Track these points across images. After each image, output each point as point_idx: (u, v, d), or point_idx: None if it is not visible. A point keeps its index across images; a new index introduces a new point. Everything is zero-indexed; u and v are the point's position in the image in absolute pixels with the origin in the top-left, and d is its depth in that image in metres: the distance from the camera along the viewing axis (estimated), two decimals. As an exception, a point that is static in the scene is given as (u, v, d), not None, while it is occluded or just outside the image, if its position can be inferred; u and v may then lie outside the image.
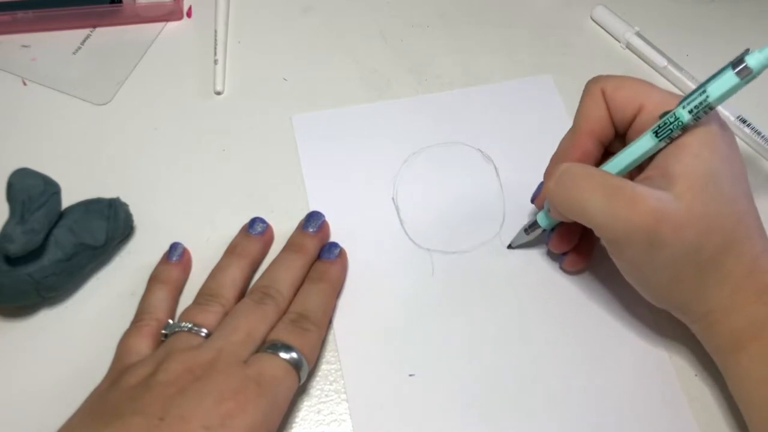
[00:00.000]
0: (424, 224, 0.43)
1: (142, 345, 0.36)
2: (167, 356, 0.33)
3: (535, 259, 0.42)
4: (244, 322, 0.35)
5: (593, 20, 0.52)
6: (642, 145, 0.34)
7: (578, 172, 0.34)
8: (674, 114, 0.33)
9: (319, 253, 0.40)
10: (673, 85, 0.49)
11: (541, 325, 0.39)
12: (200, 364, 0.33)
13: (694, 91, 0.32)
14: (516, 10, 0.53)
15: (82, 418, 0.32)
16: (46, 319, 0.39)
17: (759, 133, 0.46)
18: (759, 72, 0.31)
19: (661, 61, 0.49)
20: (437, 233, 0.42)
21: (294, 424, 0.37)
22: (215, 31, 0.50)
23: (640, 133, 0.34)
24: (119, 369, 0.35)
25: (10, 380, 0.38)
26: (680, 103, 0.33)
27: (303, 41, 0.51)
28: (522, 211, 0.43)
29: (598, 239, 0.39)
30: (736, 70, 0.31)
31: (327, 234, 0.41)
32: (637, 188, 0.32)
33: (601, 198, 0.33)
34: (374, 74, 0.49)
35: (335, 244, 0.40)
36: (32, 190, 0.36)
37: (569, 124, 0.40)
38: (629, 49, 0.51)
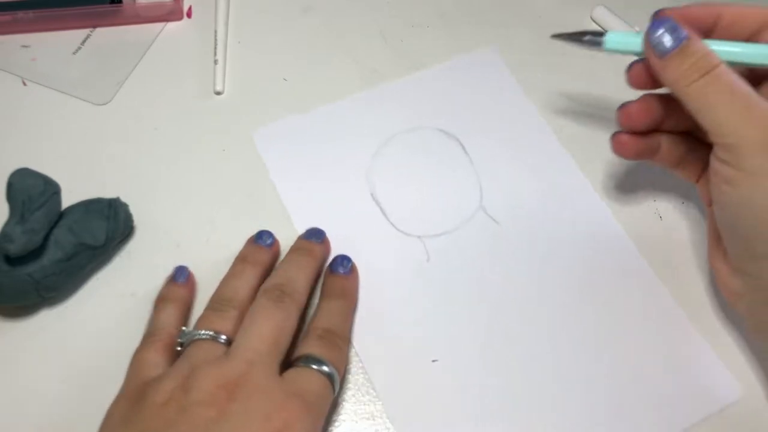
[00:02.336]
0: (407, 213, 0.43)
1: (157, 357, 0.34)
2: (193, 370, 0.31)
3: (524, 228, 0.43)
4: (267, 327, 0.34)
5: (593, 20, 0.52)
6: None
7: (725, 86, 0.32)
8: None
9: (330, 265, 0.40)
10: (673, 85, 0.49)
11: (534, 289, 0.40)
12: (232, 380, 0.31)
13: None
14: (516, 10, 0.53)
15: None
16: (46, 319, 0.39)
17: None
18: None
19: (661, 61, 0.49)
20: (423, 218, 0.43)
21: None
22: (215, 31, 0.50)
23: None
24: (138, 384, 0.33)
25: (10, 380, 0.38)
26: None
27: (303, 41, 0.51)
28: (498, 180, 0.44)
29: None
30: None
31: (329, 248, 0.41)
32: None
33: (739, 115, 0.31)
34: (374, 74, 0.49)
35: (347, 258, 0.40)
36: (32, 190, 0.36)
37: (518, 90, 0.47)
38: (629, 49, 0.51)
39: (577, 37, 0.38)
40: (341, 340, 0.36)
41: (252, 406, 0.30)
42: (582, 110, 0.48)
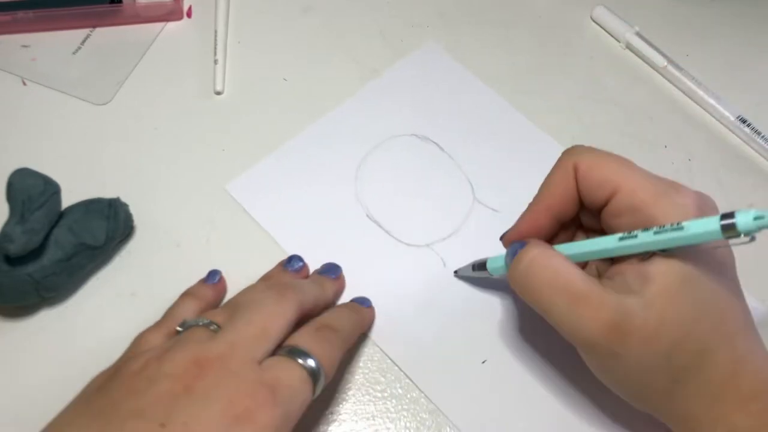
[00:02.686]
0: (409, 225, 0.43)
1: (157, 339, 0.34)
2: (174, 345, 0.31)
3: (521, 207, 0.42)
4: (259, 315, 0.32)
5: (593, 20, 0.52)
6: (609, 245, 0.32)
7: (545, 268, 0.32)
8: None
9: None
10: (673, 85, 0.49)
11: None
12: (209, 357, 0.30)
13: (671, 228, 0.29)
14: (516, 10, 0.53)
15: (78, 412, 0.30)
16: (46, 319, 0.39)
17: (759, 133, 0.46)
18: (746, 232, 0.27)
19: (661, 61, 0.49)
20: (425, 226, 0.43)
21: (294, 424, 0.37)
22: (215, 31, 0.50)
23: (613, 216, 0.32)
24: (127, 356, 0.33)
25: (10, 380, 0.38)
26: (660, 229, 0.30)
27: (303, 41, 0.51)
28: (482, 169, 0.45)
29: None
30: (723, 223, 0.27)
31: (343, 285, 0.40)
32: (604, 296, 0.30)
33: (565, 304, 0.30)
34: (374, 74, 0.49)
35: (368, 299, 0.40)
36: (32, 190, 0.36)
37: (469, 76, 0.48)
38: (629, 49, 0.51)
39: (470, 270, 0.40)
40: (339, 337, 0.34)
41: (219, 390, 0.29)
42: (557, 84, 0.48)
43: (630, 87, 0.49)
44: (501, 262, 0.37)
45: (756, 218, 0.26)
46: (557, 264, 0.32)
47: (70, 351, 0.38)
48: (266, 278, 0.39)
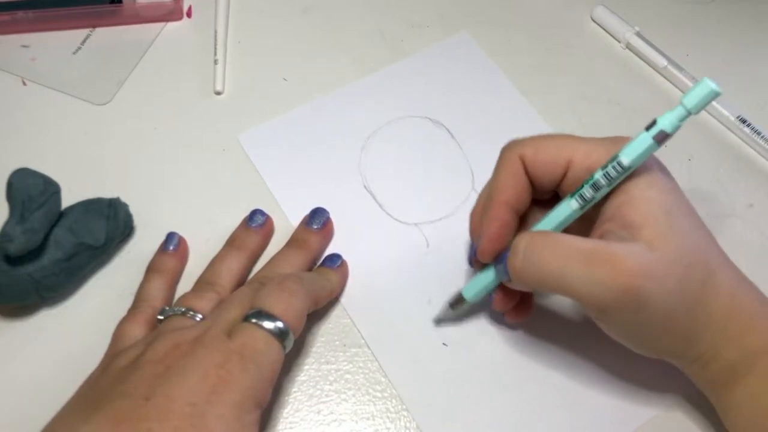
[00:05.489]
0: (402, 202, 0.44)
1: (137, 330, 0.36)
2: (157, 336, 0.33)
3: None
4: (239, 305, 0.34)
5: (593, 20, 0.52)
6: (565, 211, 0.33)
7: (544, 243, 0.32)
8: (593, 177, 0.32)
9: (321, 263, 0.41)
10: (673, 85, 0.49)
11: None
12: (187, 341, 0.32)
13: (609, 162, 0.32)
14: (516, 10, 0.53)
15: (73, 406, 0.32)
16: (46, 319, 0.39)
17: (759, 133, 0.46)
18: (673, 132, 0.30)
19: (661, 61, 0.49)
20: (417, 206, 0.43)
21: (294, 424, 0.37)
22: (215, 31, 0.50)
23: (574, 185, 0.33)
24: (112, 354, 0.35)
25: (10, 380, 0.38)
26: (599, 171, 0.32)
27: (303, 41, 0.51)
28: (487, 162, 0.43)
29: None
30: (652, 134, 0.30)
31: (331, 232, 0.42)
32: (612, 248, 0.30)
33: (580, 266, 0.30)
34: (374, 74, 0.49)
35: (338, 256, 0.41)
36: (32, 189, 0.37)
37: (497, 72, 0.48)
38: (629, 49, 0.51)
39: (449, 311, 0.39)
40: (301, 287, 0.35)
41: (194, 363, 0.31)
42: (557, 84, 0.49)
43: (630, 87, 0.49)
44: (479, 286, 0.37)
45: (679, 120, 0.30)
46: (555, 236, 0.32)
47: (70, 351, 0.38)
48: (229, 242, 0.41)
